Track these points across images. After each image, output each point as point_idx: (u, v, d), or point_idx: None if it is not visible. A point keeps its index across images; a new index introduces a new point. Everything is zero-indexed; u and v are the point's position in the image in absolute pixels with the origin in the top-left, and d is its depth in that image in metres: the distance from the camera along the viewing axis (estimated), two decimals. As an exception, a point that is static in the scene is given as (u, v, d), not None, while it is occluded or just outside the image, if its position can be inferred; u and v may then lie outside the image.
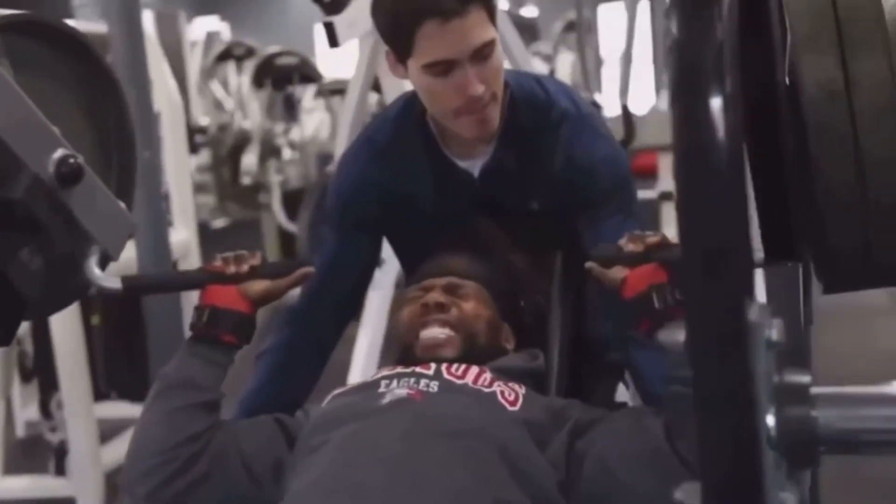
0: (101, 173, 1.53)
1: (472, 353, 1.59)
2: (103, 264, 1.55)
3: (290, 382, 1.76)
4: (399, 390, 1.49)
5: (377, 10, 1.63)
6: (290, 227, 6.05)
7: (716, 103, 0.68)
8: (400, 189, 1.78)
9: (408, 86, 1.77)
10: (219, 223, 6.54)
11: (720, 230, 0.69)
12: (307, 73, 6.70)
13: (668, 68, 0.84)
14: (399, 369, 1.56)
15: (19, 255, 1.45)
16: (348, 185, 1.81)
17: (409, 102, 1.78)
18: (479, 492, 1.34)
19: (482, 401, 1.47)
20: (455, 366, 1.54)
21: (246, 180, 6.08)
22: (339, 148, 3.13)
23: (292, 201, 6.04)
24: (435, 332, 1.60)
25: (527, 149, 1.74)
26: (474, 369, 1.53)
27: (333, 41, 2.76)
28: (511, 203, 1.77)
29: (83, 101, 1.57)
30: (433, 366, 1.54)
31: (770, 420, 0.71)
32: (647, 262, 1.51)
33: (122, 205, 1.56)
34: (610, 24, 7.97)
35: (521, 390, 1.52)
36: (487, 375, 1.53)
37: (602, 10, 7.98)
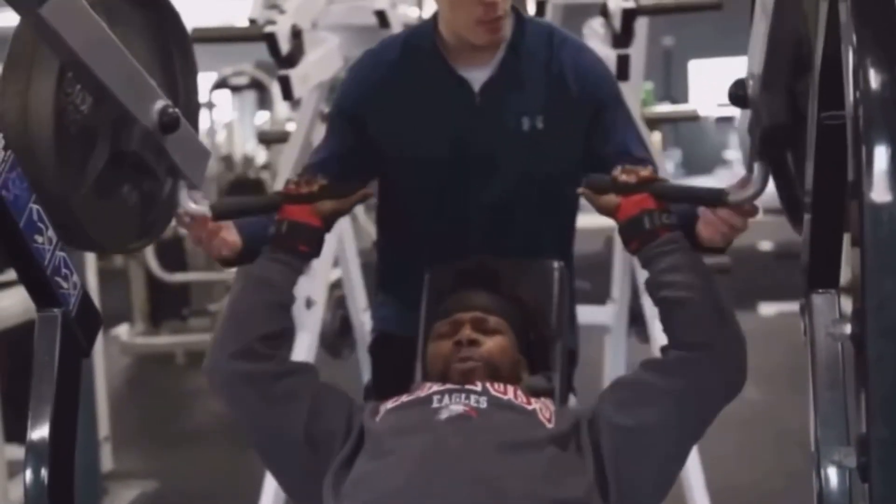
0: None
1: (496, 380, 1.73)
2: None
3: None
4: (454, 406, 1.62)
5: None
6: (163, 276, 5.93)
7: None
8: (398, 94, 1.98)
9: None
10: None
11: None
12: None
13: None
14: (449, 385, 1.69)
15: (122, 193, 1.61)
16: (347, 87, 2.05)
17: (420, 26, 2.06)
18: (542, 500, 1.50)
19: (526, 417, 1.63)
20: (496, 383, 1.69)
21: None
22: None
23: (165, 250, 5.94)
24: (467, 367, 1.74)
25: (530, 66, 1.96)
26: (511, 387, 1.69)
27: (288, 93, 2.87)
28: (509, 119, 1.95)
29: (155, 46, 1.67)
30: (479, 383, 1.68)
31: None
32: (638, 192, 1.71)
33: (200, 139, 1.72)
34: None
35: (552, 407, 1.69)
36: (520, 393, 1.69)
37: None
